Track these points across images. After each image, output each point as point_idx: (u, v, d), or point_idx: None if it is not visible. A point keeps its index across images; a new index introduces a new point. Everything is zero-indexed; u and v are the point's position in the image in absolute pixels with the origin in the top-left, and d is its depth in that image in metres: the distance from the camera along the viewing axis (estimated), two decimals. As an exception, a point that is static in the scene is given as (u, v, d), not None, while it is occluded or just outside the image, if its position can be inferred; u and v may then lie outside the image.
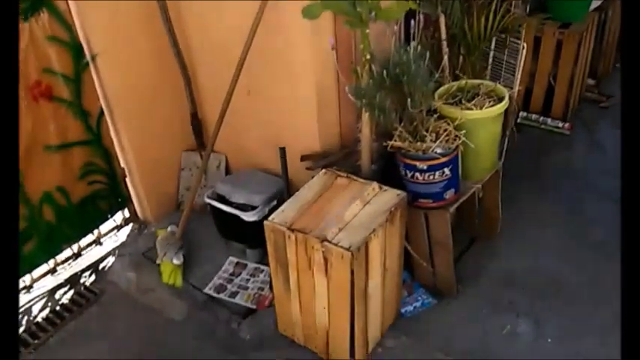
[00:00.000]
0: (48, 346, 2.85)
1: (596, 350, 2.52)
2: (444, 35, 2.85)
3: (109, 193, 3.28)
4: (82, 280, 3.23)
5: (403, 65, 2.30)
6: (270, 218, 2.35)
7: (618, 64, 4.85)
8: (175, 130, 3.39)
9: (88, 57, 2.89)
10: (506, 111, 2.73)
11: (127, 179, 3.34)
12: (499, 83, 2.81)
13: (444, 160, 2.45)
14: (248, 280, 3.09)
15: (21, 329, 2.93)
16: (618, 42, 4.68)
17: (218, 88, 3.00)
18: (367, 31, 2.30)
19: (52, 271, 3.24)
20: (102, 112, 3.06)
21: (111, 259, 3.35)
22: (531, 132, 4.17)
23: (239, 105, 3.01)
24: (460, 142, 2.50)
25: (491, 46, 3.12)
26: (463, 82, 2.74)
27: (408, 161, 2.48)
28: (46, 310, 3.05)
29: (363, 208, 2.36)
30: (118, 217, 3.49)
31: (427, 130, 2.49)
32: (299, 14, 2.32)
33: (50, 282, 3.21)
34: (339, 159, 2.80)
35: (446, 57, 2.85)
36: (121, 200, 3.38)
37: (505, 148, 3.18)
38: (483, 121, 2.59)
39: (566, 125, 4.13)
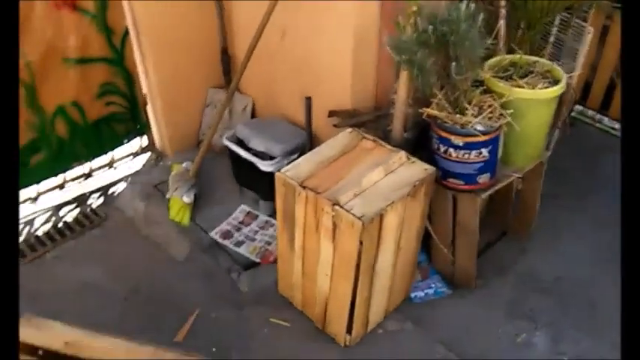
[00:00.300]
0: (44, 261, 2.80)
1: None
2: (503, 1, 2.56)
3: (126, 118, 3.18)
4: (89, 202, 3.16)
5: (452, 23, 2.04)
6: (283, 170, 2.17)
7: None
8: (204, 64, 3.22)
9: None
10: (561, 97, 2.45)
11: (148, 107, 3.20)
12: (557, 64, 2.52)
13: (483, 138, 2.19)
14: (257, 232, 2.94)
15: (20, 239, 2.88)
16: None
17: (252, 25, 2.79)
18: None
19: (61, 186, 3.18)
20: (127, 32, 2.93)
21: (122, 186, 3.25)
22: (585, 129, 3.81)
23: (272, 48, 2.83)
24: (505, 121, 2.23)
25: (554, 24, 2.80)
26: (518, 56, 2.46)
27: (443, 134, 2.24)
28: (48, 225, 2.99)
29: (385, 177, 2.15)
30: (135, 145, 3.38)
31: (469, 103, 2.24)
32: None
33: (57, 198, 3.15)
34: (369, 120, 2.59)
35: (502, 24, 2.55)
36: (139, 127, 3.27)
37: (554, 140, 2.90)
38: (534, 102, 2.31)
39: (625, 128, 3.79)
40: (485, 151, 2.23)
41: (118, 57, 2.96)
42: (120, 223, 3.02)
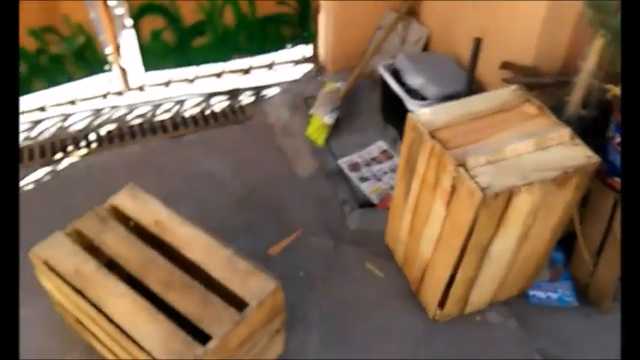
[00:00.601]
0: (180, 141, 2.90)
1: None
2: None
3: (295, 22, 3.08)
4: (240, 97, 3.17)
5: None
6: (417, 112, 1.90)
7: None
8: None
9: None
10: None
11: (320, 15, 3.06)
12: None
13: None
14: (386, 173, 2.74)
15: (167, 115, 3.01)
16: None
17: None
18: None
19: (218, 75, 3.22)
20: None
21: (274, 90, 3.22)
22: None
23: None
24: None
25: None
26: None
27: (627, 121, 1.78)
28: (197, 109, 3.08)
29: (534, 152, 1.78)
30: (298, 52, 3.29)
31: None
32: None
33: (212, 86, 3.21)
34: (546, 84, 2.17)
35: None
36: (306, 35, 3.16)
37: None
38: None
39: None
40: (676, 156, 1.73)
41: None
42: (260, 126, 3.01)
